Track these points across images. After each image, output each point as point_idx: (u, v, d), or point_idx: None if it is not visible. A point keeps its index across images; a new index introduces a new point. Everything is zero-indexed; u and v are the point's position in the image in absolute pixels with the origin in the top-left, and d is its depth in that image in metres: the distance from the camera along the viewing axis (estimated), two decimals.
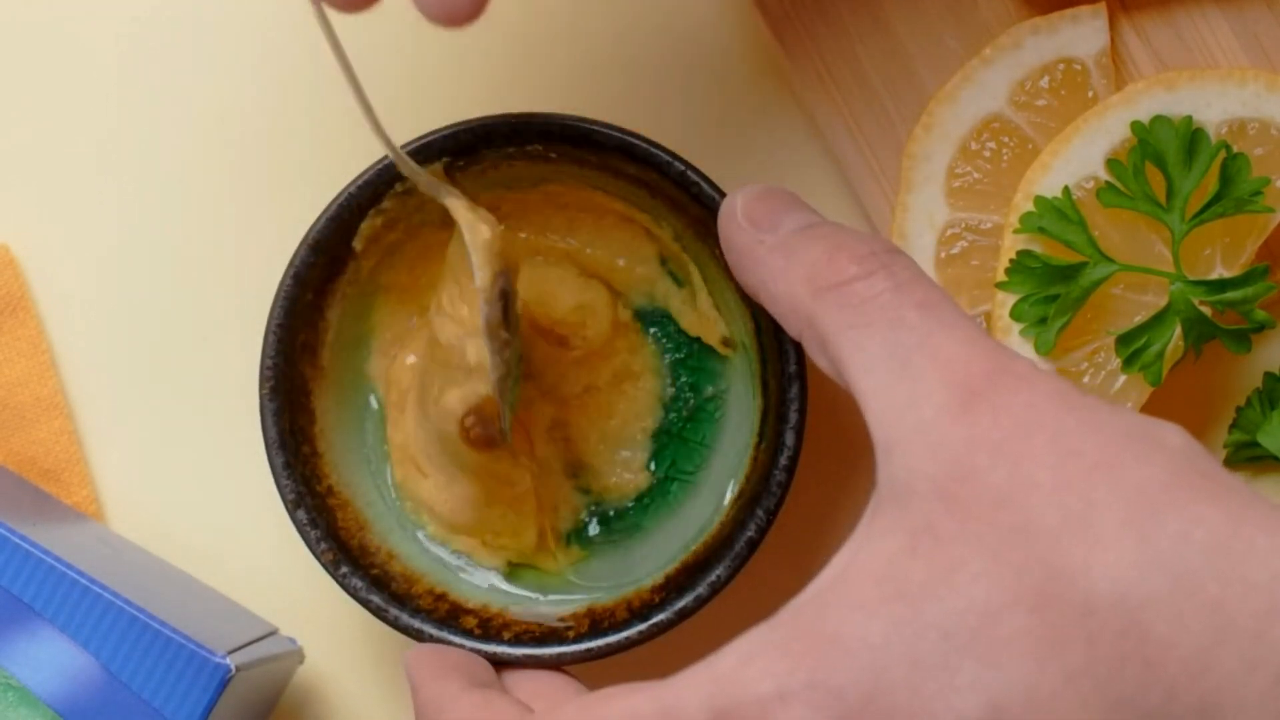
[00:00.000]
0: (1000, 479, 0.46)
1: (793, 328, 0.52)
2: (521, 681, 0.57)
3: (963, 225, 0.62)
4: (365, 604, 0.58)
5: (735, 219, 0.55)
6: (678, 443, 0.62)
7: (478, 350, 0.56)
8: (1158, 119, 0.60)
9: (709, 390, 0.62)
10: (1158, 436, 0.46)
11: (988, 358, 0.48)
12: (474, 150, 0.58)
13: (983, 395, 0.47)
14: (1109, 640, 0.43)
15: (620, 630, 0.58)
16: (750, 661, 0.46)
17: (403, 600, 0.58)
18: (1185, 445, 0.46)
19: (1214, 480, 0.45)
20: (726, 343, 0.61)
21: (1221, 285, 0.60)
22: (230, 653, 0.57)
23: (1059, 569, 0.44)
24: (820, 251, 0.51)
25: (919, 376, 0.48)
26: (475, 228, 0.55)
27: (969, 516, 0.45)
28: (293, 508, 0.58)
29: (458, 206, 0.55)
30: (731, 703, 0.46)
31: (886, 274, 0.50)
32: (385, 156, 0.58)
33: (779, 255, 0.53)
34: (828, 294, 0.51)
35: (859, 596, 0.46)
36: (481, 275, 0.55)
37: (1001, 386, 0.47)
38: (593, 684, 0.55)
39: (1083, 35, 0.62)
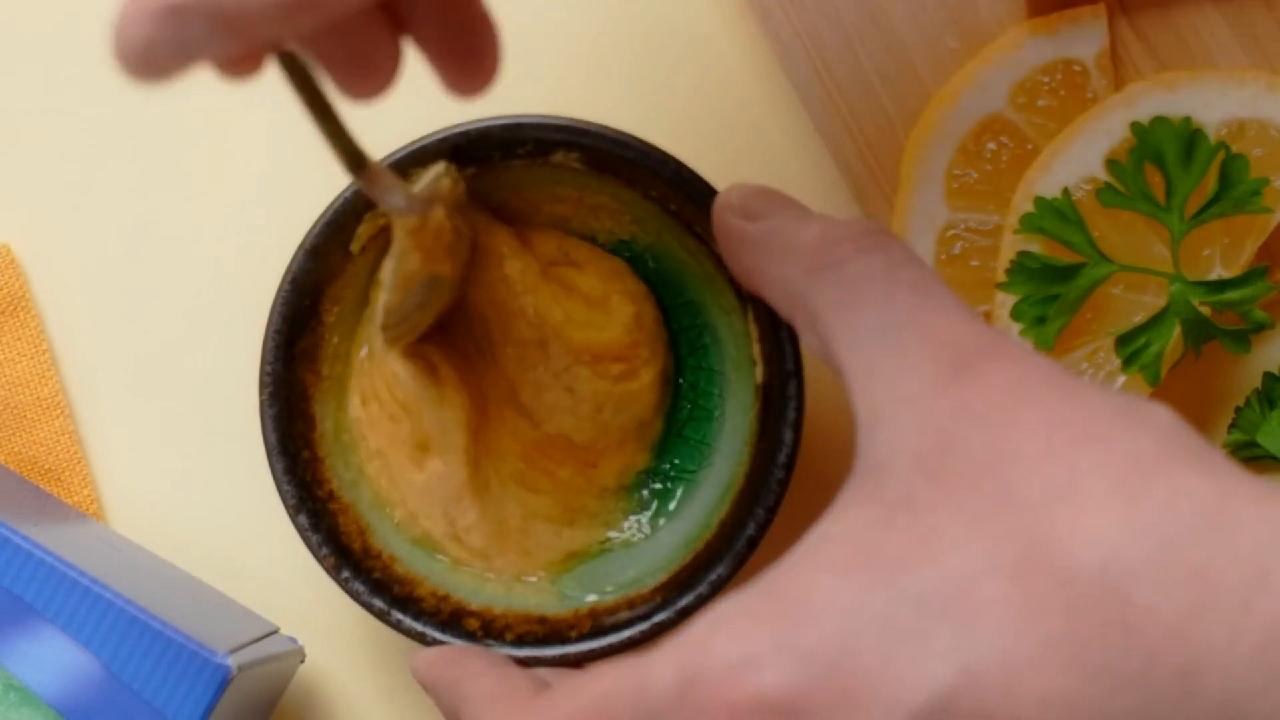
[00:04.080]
0: (984, 449, 0.46)
1: (784, 309, 0.53)
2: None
3: (962, 226, 0.62)
4: (368, 607, 0.58)
5: (730, 209, 0.55)
6: (679, 442, 0.62)
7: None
8: (1157, 119, 0.60)
9: (709, 390, 0.62)
10: (1146, 413, 0.46)
11: (979, 336, 0.48)
12: (469, 153, 0.58)
13: (971, 368, 0.47)
14: (1090, 607, 0.43)
15: (622, 630, 0.58)
16: (718, 628, 0.46)
17: (405, 603, 0.58)
18: (1174, 423, 0.46)
19: (1202, 456, 0.45)
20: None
21: (1221, 286, 0.60)
22: (231, 652, 0.57)
23: (1041, 537, 0.44)
24: (815, 233, 0.52)
25: (907, 352, 0.48)
26: (407, 255, 0.56)
27: (951, 486, 0.45)
28: (294, 512, 0.58)
29: (400, 230, 0.56)
30: (699, 669, 0.46)
31: (882, 253, 0.50)
32: (382, 160, 0.58)
33: (774, 239, 0.53)
34: (821, 273, 0.51)
35: (830, 562, 0.46)
36: (389, 296, 0.56)
37: (991, 361, 0.47)
38: None
39: (1082, 36, 0.62)
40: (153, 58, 0.42)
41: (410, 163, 0.58)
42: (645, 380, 0.60)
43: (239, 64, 0.45)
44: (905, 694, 0.44)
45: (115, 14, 0.42)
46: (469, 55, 0.49)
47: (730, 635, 0.46)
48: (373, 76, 0.48)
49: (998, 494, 0.45)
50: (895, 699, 0.44)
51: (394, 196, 0.54)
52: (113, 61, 0.42)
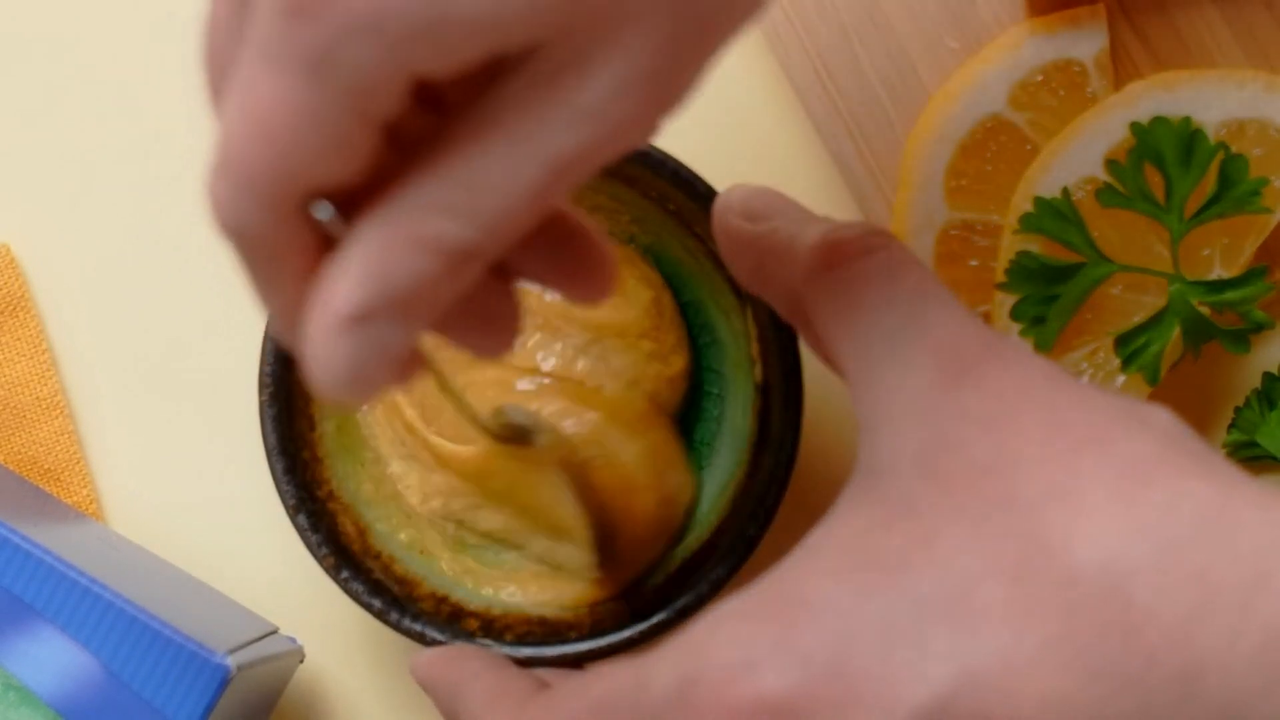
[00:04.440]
0: (985, 452, 0.46)
1: (785, 311, 0.53)
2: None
3: (962, 225, 0.62)
4: (367, 608, 0.58)
5: (730, 211, 0.55)
6: None
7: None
8: (1157, 120, 0.60)
9: (709, 390, 0.62)
10: (1146, 416, 0.46)
11: (980, 338, 0.48)
12: None
13: (972, 371, 0.47)
14: (1089, 609, 0.43)
15: (622, 630, 0.58)
16: (718, 629, 0.46)
17: (405, 604, 0.58)
18: (1174, 425, 0.46)
19: (1202, 459, 0.45)
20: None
21: (1220, 286, 0.60)
22: (230, 652, 0.57)
23: (1041, 540, 0.44)
24: (816, 235, 0.52)
25: (909, 355, 0.48)
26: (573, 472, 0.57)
27: (950, 490, 0.45)
28: (293, 513, 0.58)
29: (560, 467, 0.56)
30: (698, 670, 0.46)
31: (883, 255, 0.50)
32: None
33: (775, 241, 0.53)
34: (823, 275, 0.51)
35: (829, 565, 0.46)
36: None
37: (993, 363, 0.47)
38: None
39: (1082, 36, 0.62)
40: (363, 375, 0.41)
41: None
42: (677, 368, 0.60)
43: (410, 364, 0.44)
44: (904, 696, 0.44)
45: (307, 353, 0.42)
46: (584, 276, 0.49)
47: (730, 637, 0.46)
48: (501, 332, 0.47)
49: (998, 496, 0.45)
50: (894, 701, 0.44)
51: (536, 434, 0.55)
52: (325, 395, 0.42)
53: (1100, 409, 0.46)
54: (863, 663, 0.44)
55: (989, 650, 0.44)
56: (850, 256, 0.50)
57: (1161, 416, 0.46)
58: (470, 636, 0.58)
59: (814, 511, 0.63)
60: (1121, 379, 0.60)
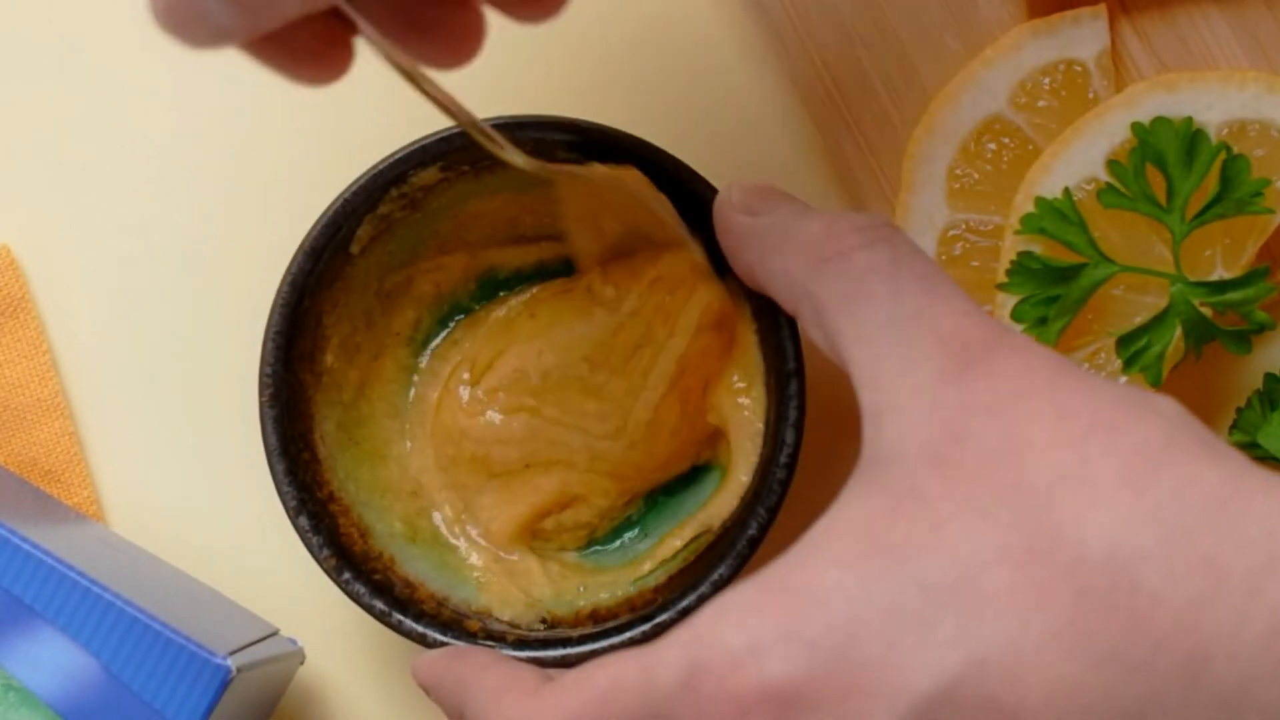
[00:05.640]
0: (993, 439, 0.46)
1: (788, 302, 0.53)
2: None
3: (963, 226, 0.62)
4: (368, 609, 0.58)
5: (731, 206, 0.55)
6: None
7: None
8: (1158, 120, 0.60)
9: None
10: (1153, 404, 0.46)
11: (985, 328, 0.48)
12: (468, 153, 0.58)
13: (979, 360, 0.47)
14: (1097, 595, 0.43)
15: (623, 631, 0.58)
16: (725, 616, 0.46)
17: (406, 605, 0.58)
18: (1180, 413, 0.46)
19: (1210, 445, 0.45)
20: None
21: (1222, 286, 0.60)
22: (231, 654, 0.57)
23: (1049, 525, 0.44)
24: (820, 225, 0.52)
25: (915, 345, 0.48)
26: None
27: (958, 477, 0.45)
28: (294, 514, 0.58)
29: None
30: (704, 657, 0.46)
31: (887, 246, 0.50)
32: (382, 161, 0.58)
33: (777, 232, 0.53)
34: (827, 265, 0.51)
35: (836, 552, 0.46)
36: None
37: (998, 353, 0.47)
38: None
39: (1083, 36, 0.62)
40: (181, 25, 0.45)
41: (412, 163, 0.58)
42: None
43: (323, 57, 0.45)
44: (910, 682, 0.44)
45: None
46: None
47: (736, 625, 0.46)
48: (446, 42, 0.49)
49: (1006, 483, 0.45)
50: (900, 687, 0.44)
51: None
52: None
53: (1106, 397, 0.46)
54: (869, 649, 0.44)
55: (996, 636, 0.44)
56: (854, 246, 0.51)
57: (1167, 405, 0.46)
58: (472, 638, 0.58)
59: (816, 511, 0.63)
60: (1123, 380, 0.60)
